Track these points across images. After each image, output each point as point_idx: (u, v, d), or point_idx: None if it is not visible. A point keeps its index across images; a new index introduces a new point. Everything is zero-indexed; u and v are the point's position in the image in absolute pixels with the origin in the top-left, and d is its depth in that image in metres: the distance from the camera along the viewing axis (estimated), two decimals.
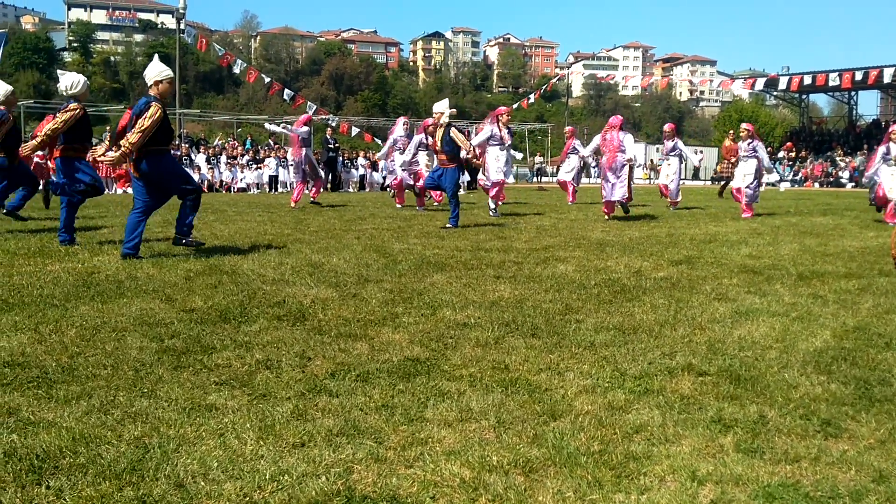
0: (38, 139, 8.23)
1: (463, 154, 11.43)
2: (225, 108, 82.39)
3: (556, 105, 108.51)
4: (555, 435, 2.93)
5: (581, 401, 3.34)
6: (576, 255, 7.96)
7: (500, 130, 13.63)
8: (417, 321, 4.83)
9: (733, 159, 23.51)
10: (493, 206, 13.72)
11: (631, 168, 13.16)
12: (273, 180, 27.71)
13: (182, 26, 32.36)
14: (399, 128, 16.23)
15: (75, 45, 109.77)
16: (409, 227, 11.17)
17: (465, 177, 17.69)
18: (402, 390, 3.45)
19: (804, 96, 52.54)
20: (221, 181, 26.79)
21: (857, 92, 50.10)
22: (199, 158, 27.32)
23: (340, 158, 28.80)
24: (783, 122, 61.90)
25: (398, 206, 15.94)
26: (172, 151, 8.56)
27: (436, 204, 16.19)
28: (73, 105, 8.11)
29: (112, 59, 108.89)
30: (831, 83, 41.54)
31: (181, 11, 30.80)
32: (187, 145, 29.70)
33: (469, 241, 9.15)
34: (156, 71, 7.36)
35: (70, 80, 8.17)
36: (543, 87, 49.14)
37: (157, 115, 7.03)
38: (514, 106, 44.33)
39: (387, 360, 3.94)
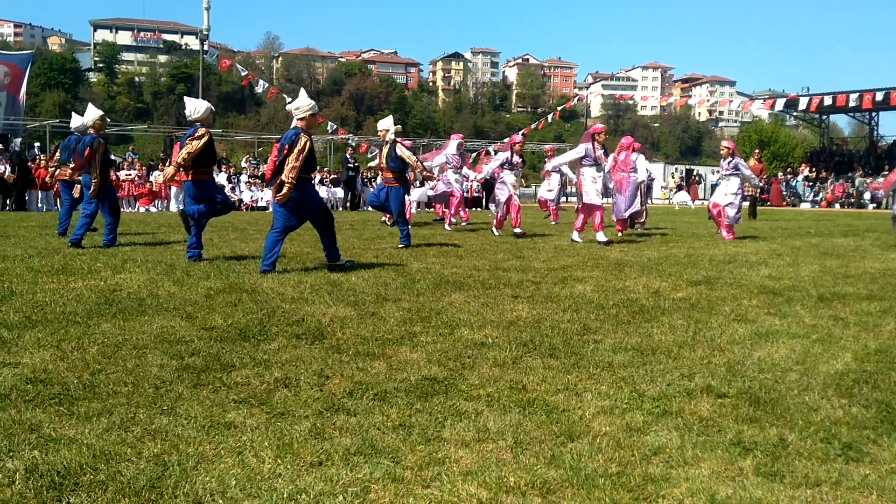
0: (175, 165, 8.54)
1: (410, 172, 11.03)
2: (247, 128, 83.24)
3: (574, 125, 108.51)
4: (572, 456, 2.92)
5: (599, 422, 3.33)
6: (594, 275, 7.94)
7: (595, 150, 12.03)
8: (435, 340, 4.84)
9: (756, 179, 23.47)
10: (577, 236, 12.26)
11: (642, 188, 13.66)
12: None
13: (206, 47, 32.76)
14: (453, 146, 15.68)
15: (101, 65, 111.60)
16: (428, 246, 11.19)
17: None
18: (420, 410, 3.46)
19: (824, 117, 52.24)
20: (241, 200, 27.01)
21: (878, 113, 49.72)
22: (221, 177, 27.57)
23: (360, 178, 28.99)
24: (803, 143, 61.50)
25: (447, 226, 15.36)
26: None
27: (464, 224, 16.26)
28: (201, 130, 8.46)
29: (136, 79, 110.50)
30: (852, 104, 41.27)
31: (205, 33, 31.19)
32: None
33: (487, 261, 9.16)
34: (305, 104, 7.81)
35: (194, 106, 8.57)
36: (563, 107, 49.19)
37: (308, 146, 7.52)
38: (532, 126, 44.47)
39: (404, 379, 3.95)
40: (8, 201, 21.94)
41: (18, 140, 25.22)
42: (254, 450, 2.94)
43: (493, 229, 13.71)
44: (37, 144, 29.35)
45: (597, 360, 4.40)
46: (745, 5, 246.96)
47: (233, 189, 27.21)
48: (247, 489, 2.61)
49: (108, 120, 11.48)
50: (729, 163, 13.67)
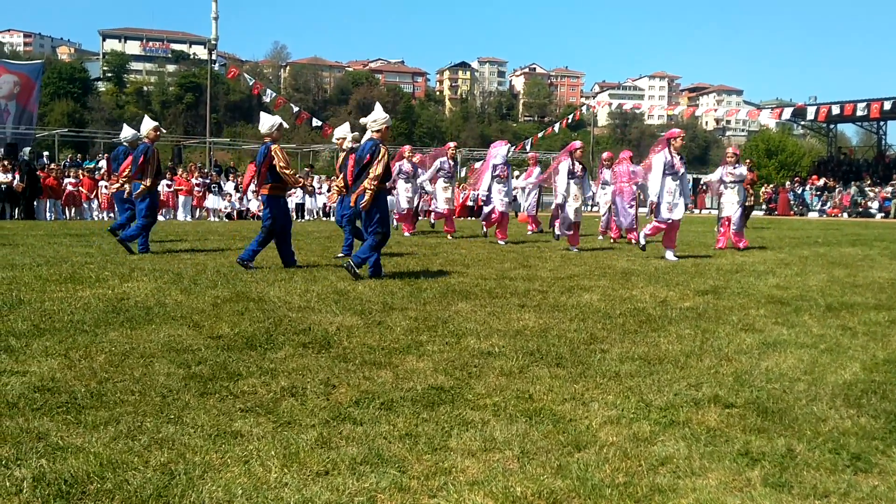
0: (292, 181, 9.03)
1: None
2: (254, 137, 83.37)
3: (581, 134, 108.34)
4: (579, 466, 2.92)
5: (606, 431, 3.32)
6: (601, 285, 7.93)
7: (672, 156, 11.08)
8: (442, 349, 4.84)
9: (749, 189, 23.37)
10: (643, 241, 11.49)
11: (637, 199, 13.75)
12: (299, 208, 27.94)
13: (214, 57, 32.93)
14: (500, 154, 14.50)
15: (109, 75, 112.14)
16: (435, 255, 11.20)
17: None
18: (426, 419, 3.45)
19: (832, 126, 52.12)
20: (248, 209, 27.08)
21: (886, 122, 49.60)
22: (228, 186, 27.67)
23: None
24: (811, 152, 61.35)
25: (501, 241, 14.14)
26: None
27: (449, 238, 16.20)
28: (276, 146, 8.82)
29: (145, 88, 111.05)
30: (859, 113, 41.19)
31: (213, 43, 31.41)
32: (216, 173, 30.13)
33: (494, 270, 9.15)
34: (381, 117, 8.15)
35: (270, 122, 8.89)
36: (570, 116, 49.18)
37: (387, 157, 7.90)
38: (539, 135, 44.47)
39: (411, 388, 3.95)
40: (16, 210, 22.04)
41: (27, 149, 25.34)
42: (260, 459, 2.94)
43: (573, 248, 12.48)
44: (45, 154, 29.50)
45: (604, 369, 4.40)
46: (751, 15, 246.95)
47: (241, 199, 27.28)
48: (253, 498, 2.61)
49: (163, 131, 12.05)
50: (736, 169, 13.45)
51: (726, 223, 13.48)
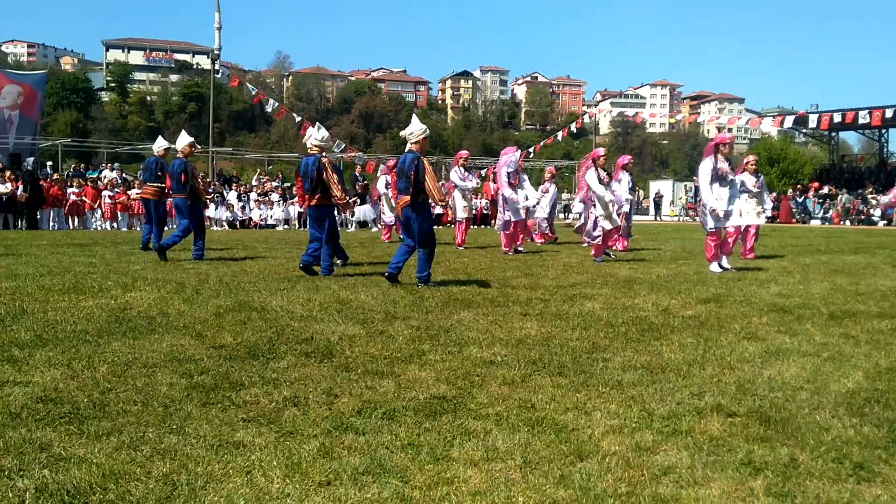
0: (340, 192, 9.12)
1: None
2: (257, 147, 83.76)
3: (583, 142, 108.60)
4: (582, 476, 2.91)
5: (608, 441, 3.32)
6: (603, 293, 7.93)
7: (721, 162, 10.33)
8: (444, 359, 4.84)
9: None
10: (727, 265, 10.60)
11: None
12: (301, 216, 27.98)
13: (217, 67, 33.04)
14: (513, 160, 13.73)
15: (113, 85, 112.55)
16: (436, 263, 11.19)
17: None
18: (429, 429, 3.45)
19: (834, 134, 52.14)
20: (250, 218, 27.12)
21: (888, 129, 49.59)
22: (231, 195, 27.71)
23: (369, 196, 29.03)
24: (813, 160, 61.36)
25: (514, 248, 13.79)
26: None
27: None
28: (325, 158, 9.06)
29: (148, 98, 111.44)
30: (861, 121, 41.18)
31: (216, 52, 31.50)
32: (219, 182, 30.19)
33: (496, 278, 9.16)
34: (418, 129, 8.29)
35: (321, 134, 9.19)
36: (573, 124, 49.24)
37: (432, 168, 8.06)
38: (542, 143, 44.48)
39: (413, 397, 3.95)
40: (20, 220, 22.08)
41: (31, 160, 25.40)
42: (262, 469, 2.94)
43: (609, 252, 12.27)
44: (49, 163, 29.58)
45: (606, 378, 4.39)
46: (753, 23, 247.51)
47: (242, 208, 27.33)
48: None
49: (198, 147, 12.79)
50: (759, 178, 12.81)
51: (753, 234, 12.75)
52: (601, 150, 12.60)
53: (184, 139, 11.80)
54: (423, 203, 8.19)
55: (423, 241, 8.25)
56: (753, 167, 13.05)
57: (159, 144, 13.19)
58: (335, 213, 9.33)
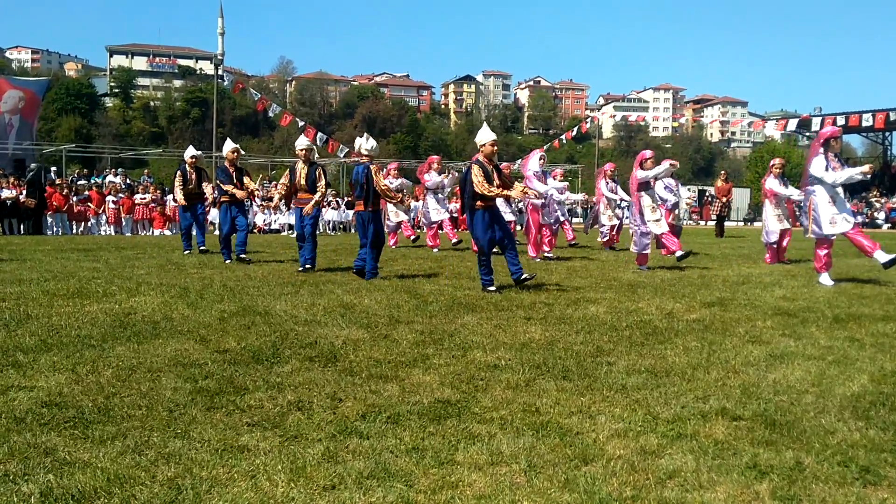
0: (392, 196, 9.73)
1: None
2: (260, 151, 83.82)
3: (586, 146, 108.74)
4: (586, 480, 2.91)
5: (613, 445, 3.31)
6: (607, 297, 7.92)
7: (831, 160, 9.33)
8: (448, 363, 4.84)
9: (724, 199, 23.24)
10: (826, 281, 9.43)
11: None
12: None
13: (220, 72, 33.14)
14: (535, 161, 13.36)
15: (116, 90, 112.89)
16: (440, 268, 11.20)
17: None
18: (433, 433, 3.45)
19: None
20: (254, 223, 27.15)
21: (892, 132, 49.56)
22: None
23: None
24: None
25: (534, 255, 13.13)
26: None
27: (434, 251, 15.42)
28: (374, 166, 9.48)
29: (152, 104, 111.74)
30: (865, 123, 41.17)
31: (219, 58, 31.64)
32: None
33: (499, 282, 9.14)
34: (481, 139, 8.46)
35: (371, 143, 9.52)
36: (577, 128, 49.24)
37: (480, 172, 8.21)
38: (546, 147, 44.44)
39: (417, 401, 3.94)
40: (23, 225, 22.12)
41: (35, 165, 25.48)
42: (267, 473, 2.94)
43: (642, 267, 11.25)
44: (53, 169, 29.67)
45: (610, 382, 4.39)
46: (756, 27, 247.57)
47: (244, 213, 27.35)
48: None
49: (242, 152, 13.28)
50: (784, 182, 12.47)
51: (782, 238, 12.69)
52: (648, 153, 11.84)
53: (228, 145, 12.60)
54: (376, 209, 9.35)
55: (375, 243, 9.39)
56: (779, 170, 12.95)
57: (190, 152, 14.55)
58: (381, 219, 9.79)
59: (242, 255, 11.90)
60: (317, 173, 10.62)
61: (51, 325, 5.92)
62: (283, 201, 11.41)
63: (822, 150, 9.31)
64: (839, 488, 2.88)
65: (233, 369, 4.57)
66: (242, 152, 13.36)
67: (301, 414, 3.72)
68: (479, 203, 8.28)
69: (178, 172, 14.21)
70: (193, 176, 14.08)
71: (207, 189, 14.21)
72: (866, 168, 9.10)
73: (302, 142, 10.91)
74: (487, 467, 3.04)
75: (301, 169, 10.57)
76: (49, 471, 2.93)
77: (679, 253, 11.12)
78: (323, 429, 3.49)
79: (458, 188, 8.90)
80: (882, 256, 9.06)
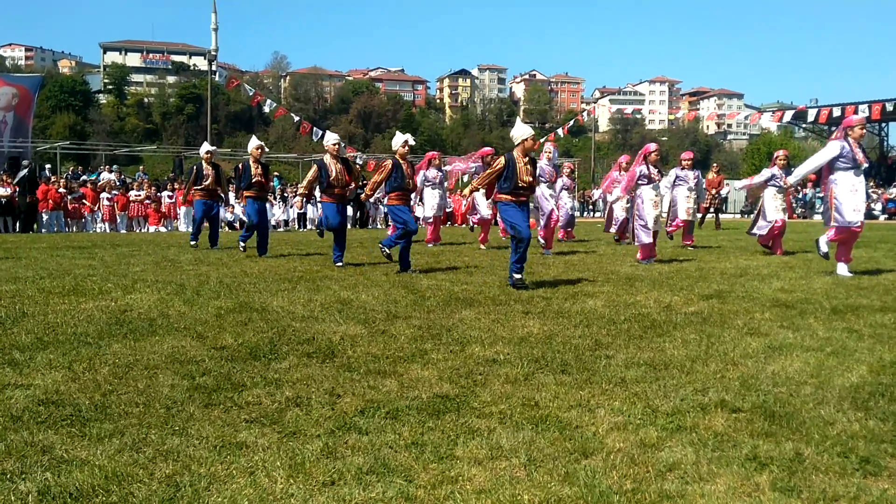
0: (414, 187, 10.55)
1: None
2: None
3: (582, 140, 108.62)
4: (586, 473, 2.90)
5: (612, 438, 3.30)
6: (605, 290, 7.91)
7: (854, 148, 9.18)
8: (446, 357, 4.83)
9: (714, 191, 23.24)
10: (824, 248, 9.47)
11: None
12: (301, 217, 27.97)
13: (214, 68, 33.02)
14: (543, 156, 13.38)
15: (110, 87, 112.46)
16: (437, 263, 11.18)
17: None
18: (432, 427, 3.44)
19: (833, 128, 52.15)
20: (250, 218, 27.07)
21: (888, 123, 49.62)
22: (230, 196, 27.64)
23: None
24: (813, 154, 61.47)
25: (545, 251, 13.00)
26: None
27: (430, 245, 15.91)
28: (388, 162, 9.96)
29: (145, 100, 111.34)
30: (860, 115, 41.22)
31: (213, 54, 31.51)
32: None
33: (497, 277, 9.14)
34: (516, 133, 8.44)
35: (402, 139, 10.02)
36: (573, 121, 49.18)
37: (498, 167, 8.24)
38: (543, 140, 44.46)
39: (416, 396, 3.93)
40: (17, 223, 22.03)
41: (25, 162, 25.35)
42: (266, 470, 2.93)
43: (644, 261, 11.06)
44: (48, 166, 29.56)
45: (609, 375, 4.38)
46: (751, 18, 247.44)
47: (243, 208, 27.27)
48: None
49: (267, 150, 13.37)
50: (789, 175, 12.01)
51: (778, 228, 12.57)
52: (653, 146, 11.56)
53: (253, 142, 12.77)
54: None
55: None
56: (783, 162, 12.83)
57: (204, 148, 14.55)
58: (409, 211, 10.08)
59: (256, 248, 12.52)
60: (352, 166, 10.97)
61: (47, 322, 5.89)
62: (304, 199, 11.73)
63: (844, 138, 9.21)
64: (839, 479, 2.87)
65: (230, 366, 4.56)
66: (267, 150, 13.44)
67: (299, 410, 3.71)
68: (506, 197, 8.26)
69: (195, 169, 14.11)
70: (210, 171, 13.91)
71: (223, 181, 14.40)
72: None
73: (333, 136, 11.15)
74: (487, 462, 3.03)
75: (333, 163, 10.58)
76: (46, 469, 2.91)
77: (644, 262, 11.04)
78: (321, 425, 3.48)
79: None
80: (842, 270, 9.35)
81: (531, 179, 8.29)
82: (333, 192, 10.51)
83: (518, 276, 8.17)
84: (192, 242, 14.24)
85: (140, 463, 2.99)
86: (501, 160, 8.25)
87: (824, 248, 9.37)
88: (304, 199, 11.90)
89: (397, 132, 10.63)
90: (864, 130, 9.49)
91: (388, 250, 9.79)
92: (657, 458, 3.07)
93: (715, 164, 24.76)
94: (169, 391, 4.00)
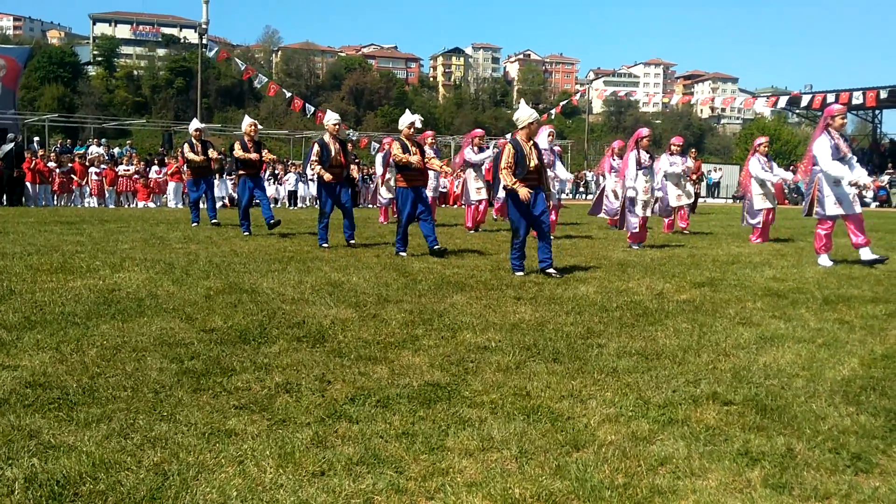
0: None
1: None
2: None
3: (576, 121, 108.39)
4: (578, 466, 2.88)
5: (604, 430, 3.29)
6: (596, 276, 7.89)
7: (836, 139, 9.20)
8: (438, 344, 4.80)
9: (694, 177, 23.25)
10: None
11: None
12: (292, 195, 27.84)
13: (204, 41, 32.58)
14: (543, 138, 12.54)
15: (99, 59, 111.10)
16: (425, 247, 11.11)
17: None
18: (423, 417, 3.41)
19: None
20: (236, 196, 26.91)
21: (882, 110, 49.63)
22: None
23: (360, 174, 28.86)
24: (806, 140, 61.51)
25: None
26: None
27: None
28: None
29: (135, 73, 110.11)
30: (855, 101, 41.13)
31: (203, 27, 31.05)
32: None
33: (489, 261, 9.11)
34: (523, 115, 8.10)
35: (409, 119, 9.76)
36: (566, 102, 48.94)
37: (510, 152, 7.92)
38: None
39: (407, 384, 3.91)
40: (3, 197, 21.79)
41: (11, 135, 25.02)
42: (255, 459, 2.90)
43: (634, 245, 11.15)
44: (36, 139, 29.25)
45: (601, 365, 4.36)
46: (747, 2, 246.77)
47: (234, 185, 27.10)
48: (248, 500, 2.58)
49: (260, 127, 13.42)
50: (773, 164, 12.46)
51: (768, 217, 12.54)
52: (645, 131, 11.46)
53: (247, 120, 12.93)
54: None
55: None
56: (765, 149, 12.81)
57: (193, 125, 14.64)
58: (423, 193, 9.79)
59: (272, 222, 12.21)
60: (347, 148, 10.89)
61: (34, 301, 5.83)
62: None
63: (825, 129, 9.18)
64: (830, 476, 2.87)
65: (219, 349, 4.52)
66: (260, 127, 13.50)
67: (289, 396, 3.68)
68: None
69: (186, 145, 14.21)
70: (200, 148, 14.02)
71: (213, 154, 14.36)
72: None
73: (334, 116, 10.94)
74: (478, 453, 3.02)
75: (332, 142, 10.52)
76: (34, 455, 2.88)
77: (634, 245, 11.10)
78: (311, 412, 3.45)
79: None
80: (867, 255, 9.16)
81: (537, 163, 8.01)
82: (332, 173, 10.40)
83: (550, 270, 7.97)
84: (194, 224, 14.15)
85: (128, 450, 2.96)
86: (510, 147, 7.97)
87: (826, 263, 9.25)
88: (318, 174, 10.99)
89: (406, 111, 10.28)
90: (846, 120, 9.48)
91: (435, 246, 9.45)
92: (649, 451, 3.06)
93: (693, 151, 24.70)
94: (157, 375, 3.96)
